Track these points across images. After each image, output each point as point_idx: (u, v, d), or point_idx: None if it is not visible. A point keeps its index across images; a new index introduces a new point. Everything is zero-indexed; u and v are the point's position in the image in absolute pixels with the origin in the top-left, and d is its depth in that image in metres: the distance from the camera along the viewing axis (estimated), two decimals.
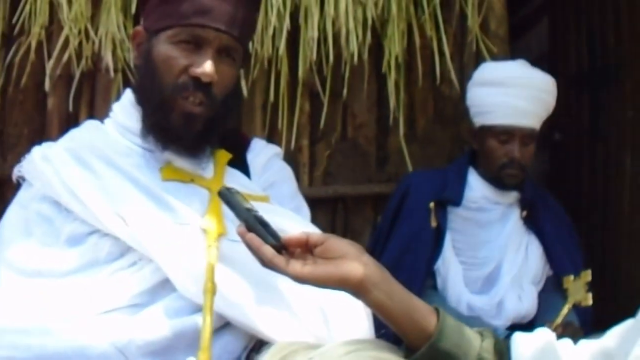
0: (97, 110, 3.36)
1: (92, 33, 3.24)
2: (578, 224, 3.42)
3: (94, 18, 3.28)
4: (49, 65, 3.31)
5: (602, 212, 4.56)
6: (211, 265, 1.85)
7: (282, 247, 1.52)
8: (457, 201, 3.10)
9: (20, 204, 2.10)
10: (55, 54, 3.31)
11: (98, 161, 2.03)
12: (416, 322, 1.46)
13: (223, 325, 1.89)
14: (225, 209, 1.81)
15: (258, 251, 1.51)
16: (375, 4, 3.25)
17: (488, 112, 3.08)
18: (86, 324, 1.81)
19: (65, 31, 3.24)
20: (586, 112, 4.83)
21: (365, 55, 3.36)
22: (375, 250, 3.14)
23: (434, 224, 3.07)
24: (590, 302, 2.80)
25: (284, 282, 1.84)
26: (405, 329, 1.47)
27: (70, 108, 3.35)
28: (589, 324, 3.01)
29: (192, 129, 2.02)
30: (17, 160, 2.18)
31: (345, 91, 3.43)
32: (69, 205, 1.99)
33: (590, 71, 4.84)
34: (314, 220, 2.31)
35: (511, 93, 3.03)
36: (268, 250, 1.50)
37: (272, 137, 3.37)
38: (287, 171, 2.38)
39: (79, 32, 3.24)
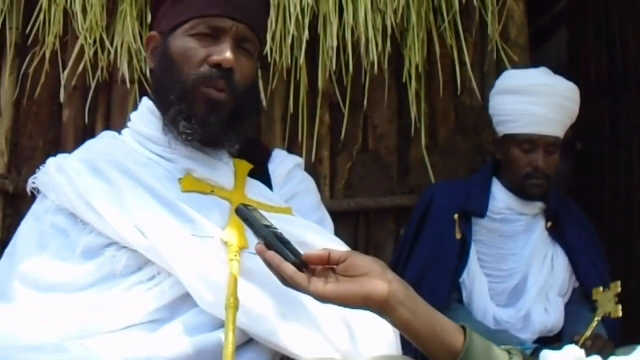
0: (114, 122, 3.31)
1: (107, 43, 3.20)
2: (601, 233, 3.37)
3: (110, 28, 3.25)
4: (64, 76, 3.27)
5: (625, 221, 4.52)
6: (233, 280, 1.80)
7: (303, 264, 1.50)
8: (481, 213, 3.06)
9: (35, 216, 2.08)
10: (70, 64, 3.26)
11: (115, 172, 2.01)
12: (443, 341, 1.44)
13: (246, 342, 1.85)
14: None
15: (278, 269, 1.49)
16: (395, 12, 3.21)
17: (511, 121, 3.05)
18: (103, 342, 1.77)
19: (80, 41, 3.20)
20: (607, 121, 4.81)
21: (386, 65, 3.32)
22: (399, 263, 3.11)
23: (458, 236, 3.03)
24: (620, 314, 2.76)
25: (308, 297, 1.79)
26: (431, 348, 1.45)
27: (86, 120, 3.30)
28: (618, 336, 2.97)
29: (217, 117, 2.01)
30: (32, 173, 2.15)
31: (365, 101, 3.37)
32: (85, 217, 1.97)
33: (610, 79, 4.80)
34: (336, 233, 2.28)
35: (534, 101, 3.00)
36: (289, 269, 1.48)
37: (292, 149, 3.31)
38: (310, 182, 2.35)
39: (94, 42, 3.20)
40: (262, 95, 3.19)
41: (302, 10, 3.12)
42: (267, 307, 1.84)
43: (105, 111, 3.36)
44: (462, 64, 3.44)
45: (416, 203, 3.26)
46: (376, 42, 3.20)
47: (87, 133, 3.28)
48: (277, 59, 3.18)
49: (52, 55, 3.26)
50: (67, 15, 3.22)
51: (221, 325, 1.78)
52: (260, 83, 3.13)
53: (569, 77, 3.10)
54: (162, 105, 2.08)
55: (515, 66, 3.43)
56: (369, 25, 3.16)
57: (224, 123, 2.02)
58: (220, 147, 2.09)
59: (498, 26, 3.47)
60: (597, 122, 4.85)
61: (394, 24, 3.22)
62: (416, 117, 3.40)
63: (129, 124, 2.21)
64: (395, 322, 1.45)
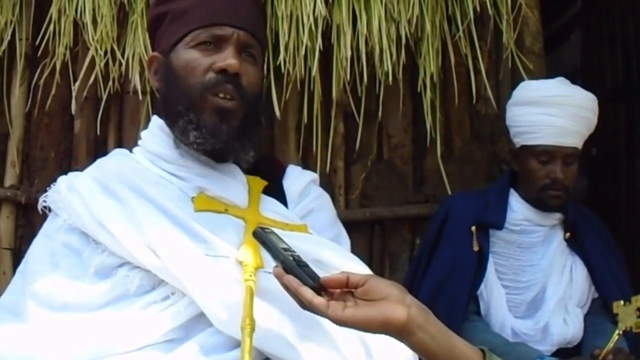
0: (125, 132, 3.29)
1: (118, 54, 3.18)
2: (617, 240, 3.33)
3: (120, 38, 3.22)
4: (75, 88, 3.24)
5: None
6: (249, 301, 1.77)
7: (322, 288, 1.50)
8: (499, 224, 3.02)
9: (46, 235, 2.07)
10: (81, 75, 3.24)
11: (127, 190, 1.99)
12: None
13: None
14: None
15: (296, 293, 1.49)
16: (409, 22, 3.18)
17: (528, 132, 3.01)
18: None
19: (91, 52, 3.17)
20: (623, 127, 4.80)
21: (400, 74, 3.29)
22: (417, 276, 3.09)
23: (476, 248, 2.99)
24: None
25: None
26: None
27: (98, 131, 3.28)
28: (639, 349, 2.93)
29: (228, 125, 2.00)
30: (44, 183, 2.13)
31: (380, 111, 3.34)
32: (97, 236, 1.95)
33: (626, 85, 4.77)
34: (351, 243, 2.28)
35: (552, 112, 2.95)
36: (307, 292, 1.48)
37: (306, 160, 3.31)
38: (326, 198, 2.33)
39: (105, 53, 3.17)
40: (276, 106, 3.17)
41: (315, 20, 3.09)
42: (283, 327, 1.83)
43: (117, 122, 3.34)
44: (477, 72, 3.40)
45: (432, 213, 3.25)
46: (390, 52, 3.17)
47: (98, 144, 3.27)
48: (291, 69, 3.14)
49: (63, 66, 3.23)
50: (77, 26, 3.20)
51: (237, 344, 1.77)
52: (274, 93, 3.12)
53: (583, 82, 3.08)
54: (171, 117, 2.07)
55: (531, 74, 3.41)
56: (383, 35, 3.13)
57: (235, 131, 2.01)
58: (234, 156, 2.08)
59: (513, 34, 3.43)
60: (612, 127, 4.83)
61: (408, 33, 3.18)
62: (431, 126, 3.36)
63: (139, 142, 2.20)
64: (413, 346, 1.45)
